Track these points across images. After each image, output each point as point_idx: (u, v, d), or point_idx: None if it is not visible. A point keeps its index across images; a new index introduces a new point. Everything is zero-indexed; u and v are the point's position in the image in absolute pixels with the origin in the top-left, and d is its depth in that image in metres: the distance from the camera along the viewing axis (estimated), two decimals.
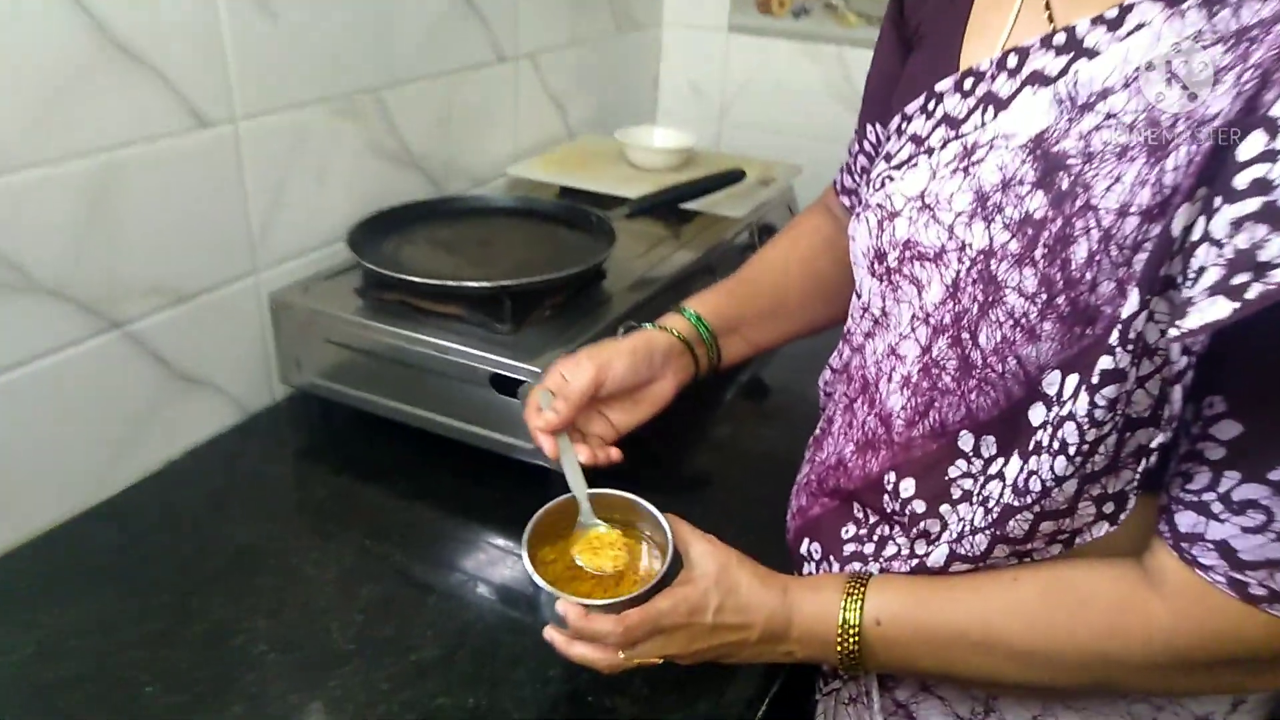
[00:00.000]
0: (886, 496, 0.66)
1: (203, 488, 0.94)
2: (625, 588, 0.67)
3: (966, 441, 0.61)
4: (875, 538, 0.68)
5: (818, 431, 0.80)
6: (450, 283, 0.92)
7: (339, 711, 0.70)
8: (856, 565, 0.69)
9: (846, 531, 0.71)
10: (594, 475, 0.73)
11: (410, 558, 0.86)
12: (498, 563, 0.86)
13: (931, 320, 0.62)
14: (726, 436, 1.09)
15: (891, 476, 0.65)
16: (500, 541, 0.89)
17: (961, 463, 0.61)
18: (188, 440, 0.99)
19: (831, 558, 0.72)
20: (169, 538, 0.86)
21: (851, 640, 0.62)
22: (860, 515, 0.70)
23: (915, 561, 0.63)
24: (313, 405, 1.06)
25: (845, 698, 0.73)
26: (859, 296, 0.72)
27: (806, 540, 0.75)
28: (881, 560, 0.67)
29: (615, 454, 0.74)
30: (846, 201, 0.84)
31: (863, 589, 0.63)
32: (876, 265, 0.68)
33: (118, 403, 0.90)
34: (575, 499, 0.71)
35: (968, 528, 0.60)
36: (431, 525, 0.90)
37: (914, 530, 0.63)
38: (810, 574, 0.75)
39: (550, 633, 0.65)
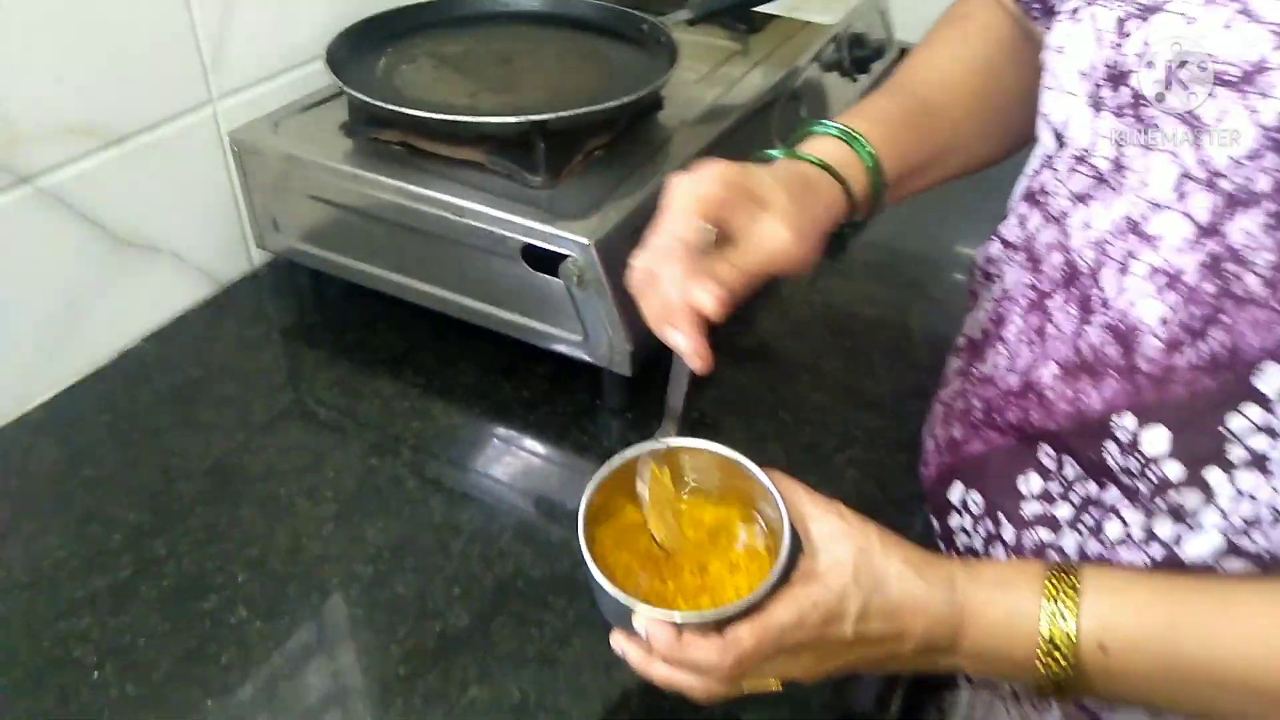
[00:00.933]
0: (1115, 448, 0.45)
1: (164, 383, 0.75)
2: (727, 585, 0.49)
3: (1271, 380, 0.39)
4: (1079, 500, 0.49)
5: (975, 332, 0.58)
6: (465, 117, 0.69)
7: (342, 709, 0.54)
8: (1043, 534, 0.50)
9: (1028, 483, 0.51)
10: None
11: (427, 483, 0.67)
12: (539, 490, 0.68)
13: (1225, 185, 0.40)
14: (791, 324, 0.87)
15: (1128, 421, 0.44)
16: (541, 456, 0.71)
17: (1255, 411, 0.40)
18: (144, 323, 0.79)
19: (1001, 516, 0.52)
20: (121, 453, 0.68)
21: (1059, 663, 0.44)
22: (1051, 464, 0.50)
23: (1160, 551, 0.43)
24: (300, 273, 0.85)
25: (1007, 691, 0.56)
26: (1060, 138, 0.49)
27: (960, 486, 0.56)
28: (1100, 539, 0.47)
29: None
30: None
31: (1073, 590, 0.44)
32: (1108, 91, 0.45)
33: (42, 280, 0.70)
34: (646, 454, 0.51)
35: (1257, 509, 0.40)
36: (452, 434, 0.71)
37: (1159, 503, 0.43)
38: (964, 535, 0.55)
39: (621, 643, 0.47)
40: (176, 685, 0.54)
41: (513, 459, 0.70)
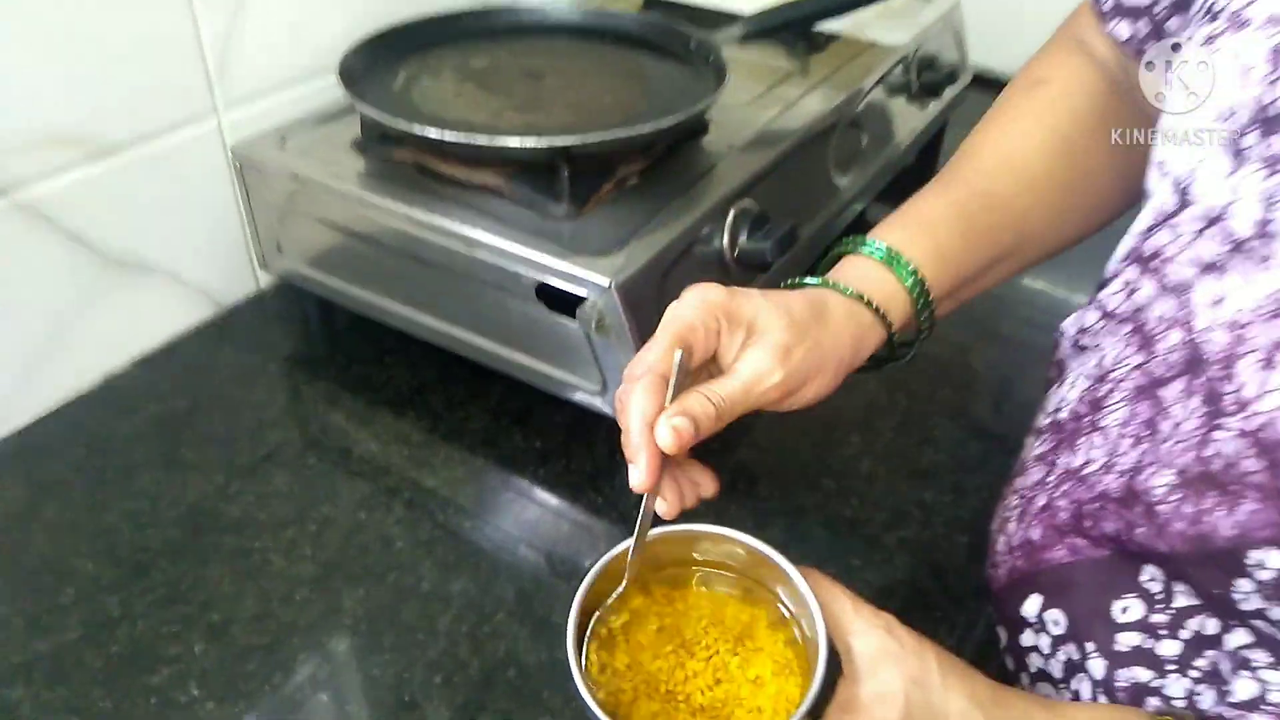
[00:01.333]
0: (1249, 587, 0.36)
1: (148, 414, 0.69)
2: (747, 708, 0.40)
3: None
4: (1192, 638, 0.39)
5: (1063, 414, 0.49)
6: (481, 139, 0.61)
7: None
8: (1141, 674, 0.40)
9: (1125, 610, 0.42)
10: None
11: (419, 544, 0.60)
12: (544, 557, 0.60)
13: None
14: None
15: (1272, 558, 0.35)
16: (551, 517, 0.63)
17: None
18: (135, 346, 0.73)
19: (1089, 645, 0.43)
20: (89, 493, 0.62)
21: None
22: (1159, 589, 0.41)
23: None
24: (308, 299, 0.79)
25: None
26: (1184, 194, 0.40)
27: (1037, 599, 0.46)
28: (1221, 692, 0.37)
29: (710, 486, 0.43)
30: (1126, 31, 0.50)
31: None
32: (1254, 139, 0.36)
33: (20, 299, 0.64)
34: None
35: None
36: (454, 488, 0.64)
37: None
38: (1039, 657, 0.46)
39: None
40: None
41: (518, 520, 0.62)
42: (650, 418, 0.39)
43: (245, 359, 0.74)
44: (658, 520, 0.42)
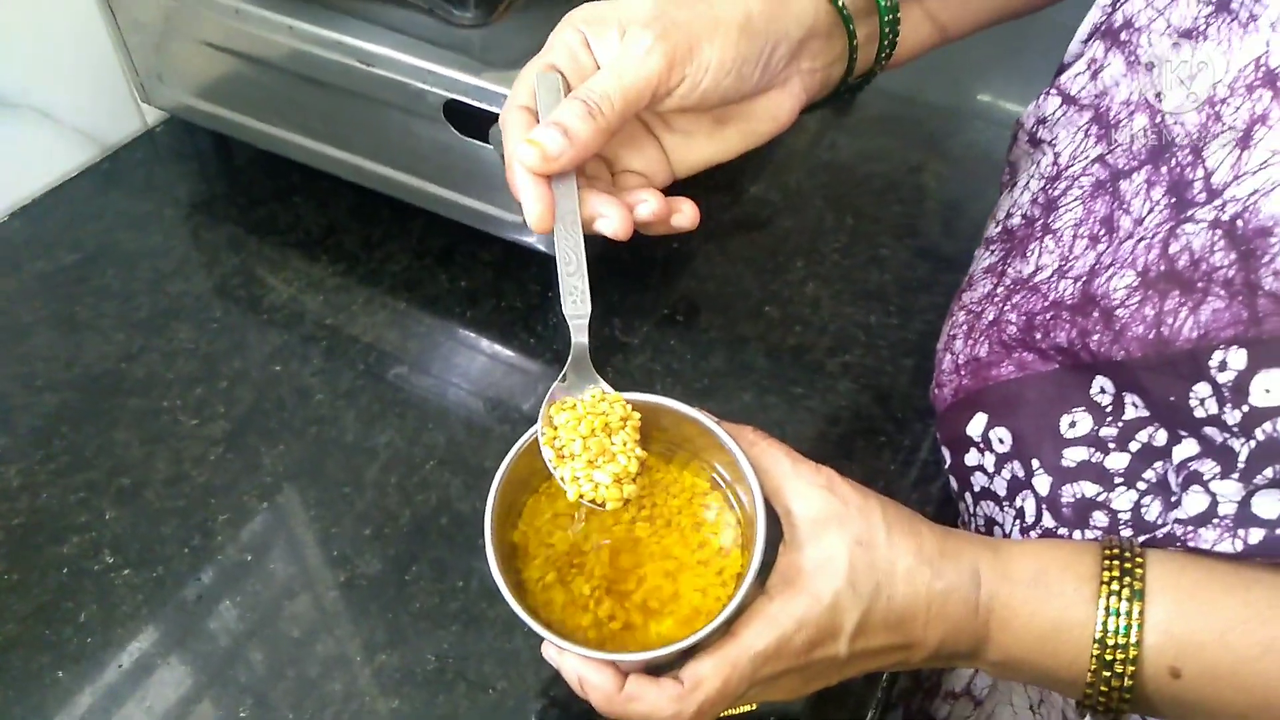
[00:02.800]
0: (1207, 392, 0.33)
1: (33, 270, 0.63)
2: (686, 586, 0.38)
3: None
4: (1141, 451, 0.37)
5: (1015, 219, 0.45)
6: None
7: (221, 678, 0.44)
8: (1087, 489, 0.39)
9: (1073, 425, 0.40)
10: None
11: (339, 395, 0.56)
12: (476, 403, 0.57)
13: None
14: (785, 194, 0.74)
15: (1235, 359, 0.32)
16: (481, 360, 0.59)
17: None
18: (10, 195, 0.66)
19: (1035, 462, 0.41)
20: None
21: (1114, 690, 0.33)
22: (1108, 401, 0.38)
23: (1260, 535, 0.32)
24: (201, 135, 0.71)
25: (1028, 701, 0.46)
26: None
27: (982, 417, 0.44)
28: (1168, 505, 0.36)
29: (686, 212, 0.39)
30: None
31: (1132, 595, 0.33)
32: None
33: None
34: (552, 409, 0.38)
35: None
36: (375, 334, 0.60)
37: (1269, 474, 0.32)
38: (983, 476, 0.44)
39: (552, 656, 0.37)
40: (21, 650, 0.45)
41: (446, 364, 0.59)
42: (516, 148, 0.35)
43: (137, 205, 0.68)
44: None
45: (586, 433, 0.36)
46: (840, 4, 0.41)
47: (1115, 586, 0.33)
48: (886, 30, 0.43)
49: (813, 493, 0.36)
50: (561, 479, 0.36)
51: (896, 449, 0.55)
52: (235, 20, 0.57)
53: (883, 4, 0.43)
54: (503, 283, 0.63)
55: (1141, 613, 0.33)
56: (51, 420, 0.54)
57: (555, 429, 0.37)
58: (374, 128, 0.58)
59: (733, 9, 0.37)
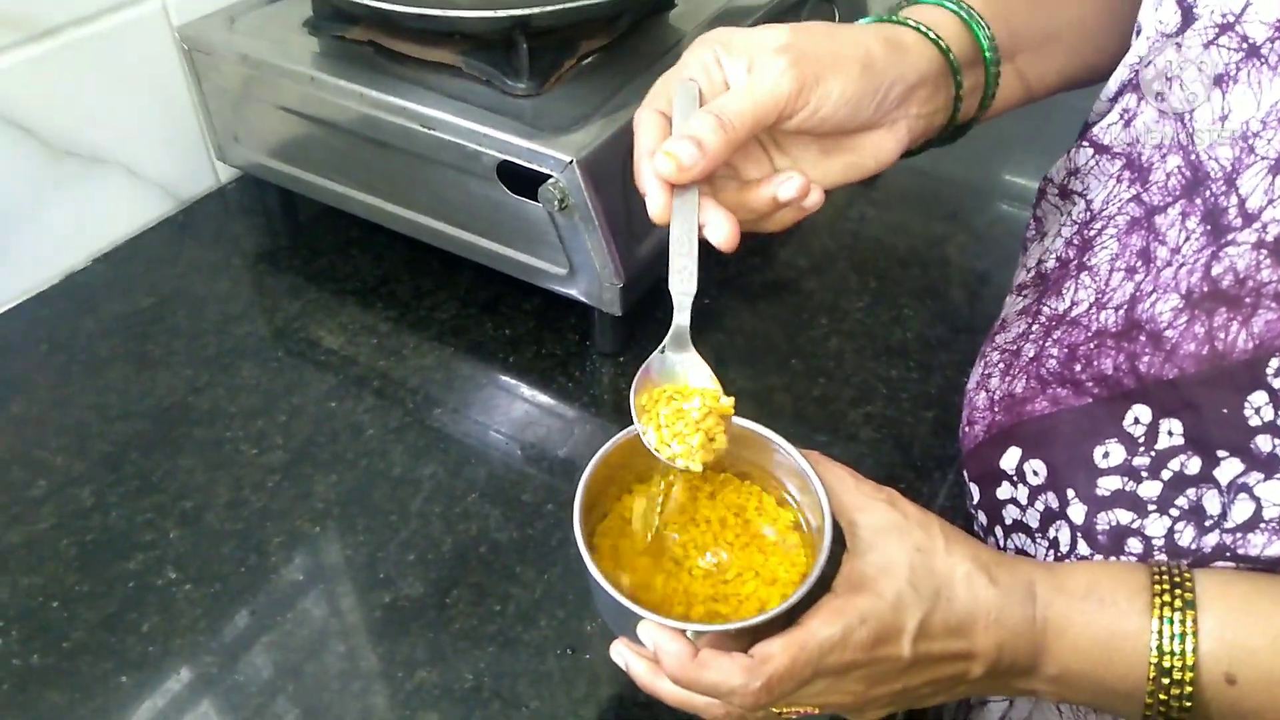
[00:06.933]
0: (1263, 400, 0.36)
1: (111, 311, 0.68)
2: (753, 590, 0.40)
3: None
4: (1172, 479, 0.39)
5: (1048, 263, 0.48)
6: (436, 10, 0.59)
7: (271, 687, 0.47)
8: (1122, 516, 0.41)
9: (1105, 454, 0.42)
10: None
11: (388, 431, 0.60)
12: (515, 443, 0.60)
13: None
14: (812, 258, 0.77)
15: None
16: (521, 403, 0.63)
17: None
18: (94, 242, 0.72)
19: (1070, 491, 0.43)
20: (55, 389, 0.62)
21: (1172, 699, 0.35)
22: (1141, 432, 0.41)
23: None
24: (269, 192, 0.77)
25: (1056, 706, 0.47)
26: (1189, 10, 0.40)
27: (1016, 451, 0.46)
28: (1201, 529, 0.38)
29: (815, 194, 0.42)
30: None
31: (1184, 605, 0.35)
32: None
33: None
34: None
35: None
36: (423, 376, 0.64)
37: None
38: (1016, 508, 0.46)
39: (624, 654, 0.40)
40: (88, 656, 0.48)
41: (488, 406, 0.62)
42: (649, 148, 0.39)
43: (208, 254, 0.73)
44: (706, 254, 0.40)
45: (672, 410, 0.40)
46: (951, 56, 0.45)
47: (1167, 598, 0.35)
48: (991, 81, 0.47)
49: (875, 506, 0.38)
50: (647, 435, 0.39)
51: (916, 494, 0.57)
52: (310, 87, 0.63)
53: (988, 56, 0.46)
54: (543, 331, 0.67)
55: (1195, 620, 0.35)
56: (123, 447, 0.58)
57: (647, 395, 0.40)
58: (431, 186, 0.63)
59: (856, 48, 0.41)
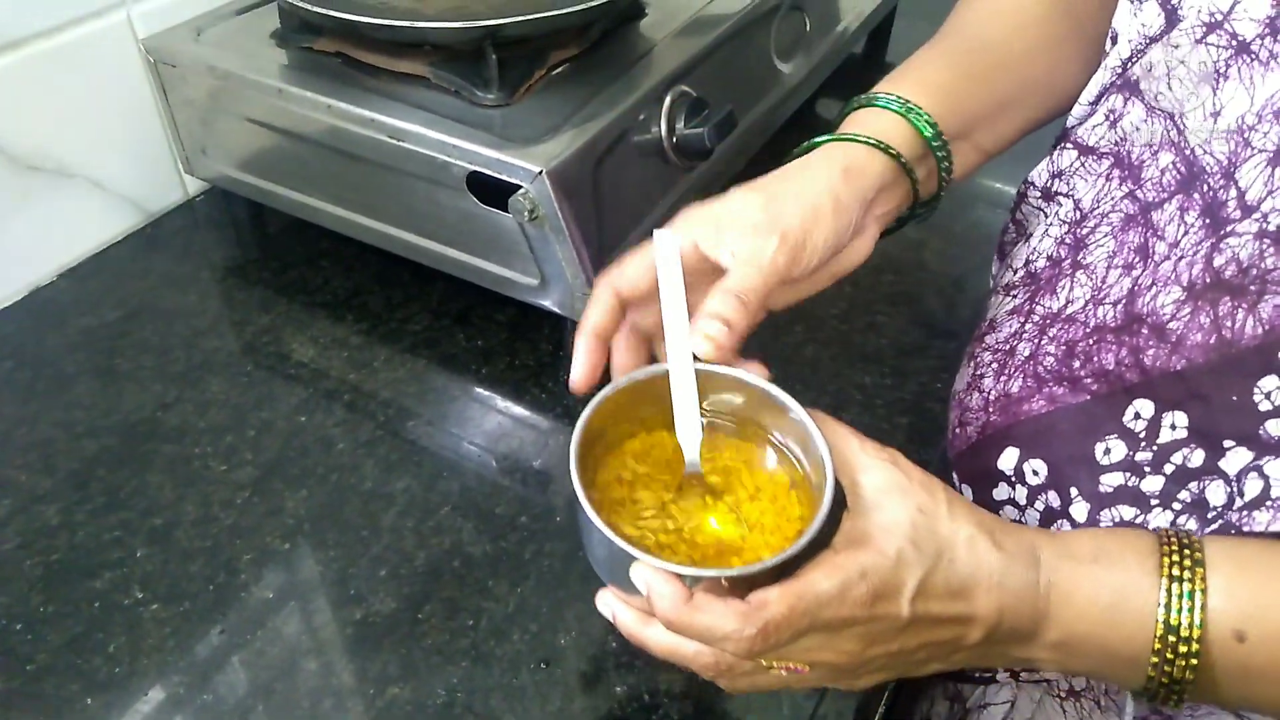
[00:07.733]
0: (1268, 384, 0.36)
1: (77, 326, 0.67)
2: (750, 542, 0.40)
3: None
4: (1175, 472, 0.40)
5: (1037, 263, 0.49)
6: (405, 22, 0.59)
7: (241, 707, 0.47)
8: (1125, 512, 0.41)
9: (1106, 450, 0.42)
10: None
11: (359, 445, 0.59)
12: (488, 455, 0.60)
13: None
14: None
15: None
16: (494, 415, 0.62)
17: None
18: (60, 257, 0.71)
19: (1073, 490, 0.43)
20: (20, 406, 0.61)
21: (1180, 658, 0.35)
22: (1142, 427, 0.41)
23: None
24: (238, 204, 0.76)
25: (1062, 689, 0.47)
26: (1173, 12, 0.40)
27: (1013, 452, 0.46)
28: (1204, 521, 0.38)
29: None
30: None
31: (1194, 564, 0.35)
32: None
33: None
34: (658, 375, 0.42)
35: None
36: (394, 389, 0.63)
37: None
38: (1014, 509, 0.46)
39: (611, 602, 0.39)
40: (54, 678, 0.47)
41: (460, 419, 0.62)
42: (594, 323, 0.43)
43: (176, 267, 0.72)
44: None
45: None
46: (902, 160, 0.47)
47: (1176, 558, 0.35)
48: (943, 167, 0.50)
49: (879, 465, 0.38)
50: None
51: None
52: (278, 99, 0.63)
53: (934, 145, 0.48)
54: (516, 342, 0.67)
55: (1204, 578, 0.34)
56: (90, 464, 0.57)
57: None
58: (401, 197, 0.63)
59: (821, 194, 0.44)
